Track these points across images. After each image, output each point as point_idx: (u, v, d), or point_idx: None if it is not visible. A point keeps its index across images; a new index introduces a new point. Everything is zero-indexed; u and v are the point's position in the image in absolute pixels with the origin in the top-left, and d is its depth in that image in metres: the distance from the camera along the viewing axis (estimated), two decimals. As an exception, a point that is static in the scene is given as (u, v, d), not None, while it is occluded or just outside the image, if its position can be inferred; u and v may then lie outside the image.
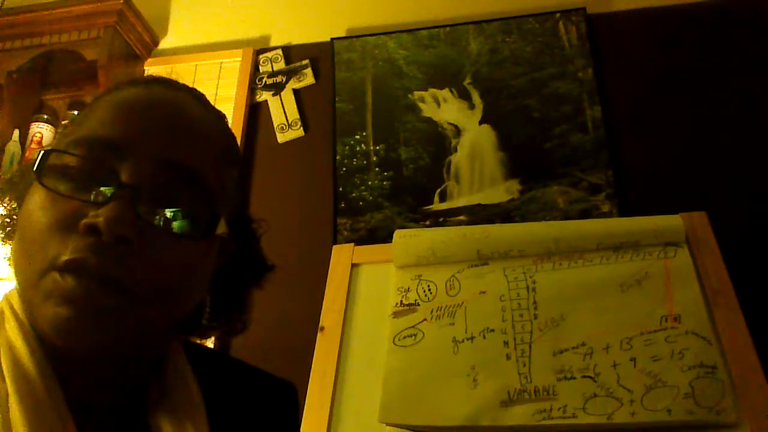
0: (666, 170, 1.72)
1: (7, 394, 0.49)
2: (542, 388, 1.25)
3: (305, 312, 1.59)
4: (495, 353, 1.32)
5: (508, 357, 1.31)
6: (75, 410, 0.50)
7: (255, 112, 2.04)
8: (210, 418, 0.58)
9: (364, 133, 1.92)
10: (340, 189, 1.86)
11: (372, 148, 1.90)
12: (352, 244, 1.64)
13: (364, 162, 1.88)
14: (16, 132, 2.04)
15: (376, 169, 1.87)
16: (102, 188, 0.51)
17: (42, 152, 0.53)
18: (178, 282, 0.54)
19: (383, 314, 1.46)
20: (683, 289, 1.33)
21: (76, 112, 2.07)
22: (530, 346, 1.31)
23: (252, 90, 2.06)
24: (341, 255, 1.60)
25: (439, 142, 1.86)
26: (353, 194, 1.84)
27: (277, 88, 2.05)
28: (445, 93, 1.92)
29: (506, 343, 1.33)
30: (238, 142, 1.88)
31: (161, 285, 0.52)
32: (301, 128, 1.98)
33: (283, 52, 2.11)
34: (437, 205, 1.79)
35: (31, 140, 2.04)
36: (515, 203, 1.74)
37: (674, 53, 1.85)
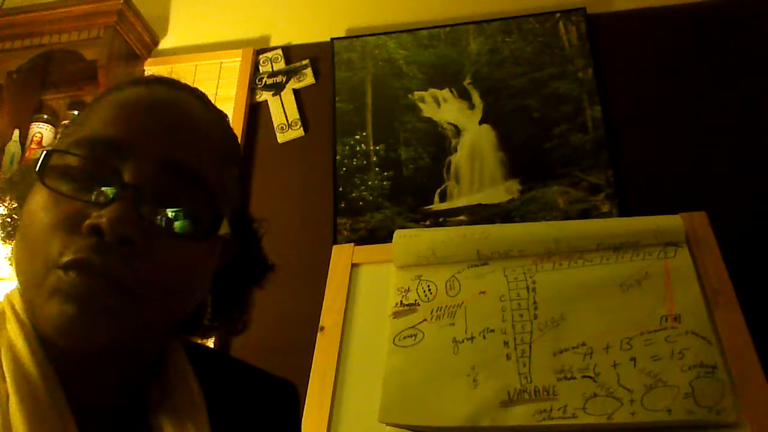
0: (666, 170, 1.72)
1: (8, 395, 0.49)
2: (542, 388, 1.25)
3: (305, 312, 1.59)
4: (495, 353, 1.32)
5: (508, 357, 1.31)
6: (76, 411, 0.50)
7: (255, 112, 2.04)
8: (211, 418, 0.58)
9: (364, 133, 1.92)
10: (340, 189, 1.86)
11: (372, 148, 1.90)
12: (352, 244, 1.64)
13: (364, 162, 1.88)
14: (16, 132, 2.04)
15: (376, 169, 1.87)
16: (104, 188, 0.51)
17: (44, 152, 0.53)
18: (181, 282, 0.54)
19: (383, 314, 1.46)
20: (683, 289, 1.33)
21: (76, 112, 2.06)
22: (530, 346, 1.31)
23: (252, 90, 2.06)
24: (341, 255, 1.61)
25: (439, 142, 1.86)
26: (353, 194, 1.84)
27: (277, 88, 2.05)
28: (445, 93, 1.92)
29: (506, 343, 1.33)
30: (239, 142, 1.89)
31: (164, 285, 0.52)
32: (301, 128, 1.98)
33: (283, 52, 2.11)
34: (437, 205, 1.79)
35: (31, 140, 2.04)
36: (515, 203, 1.74)
37: (674, 53, 1.85)
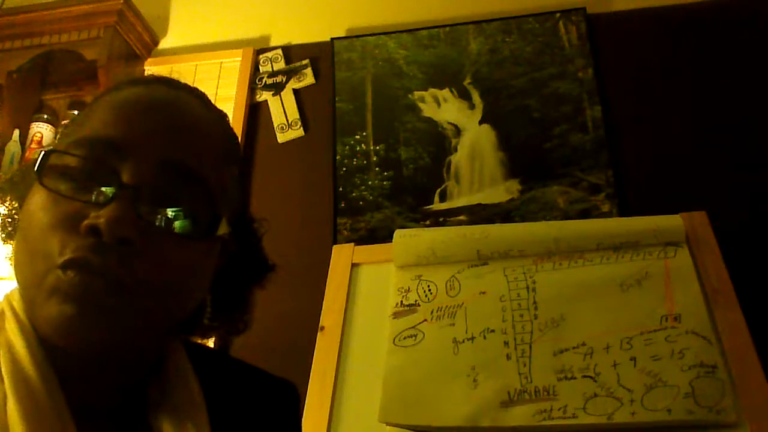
0: (666, 170, 1.72)
1: (6, 396, 0.48)
2: (542, 388, 1.25)
3: (305, 312, 1.59)
4: (495, 353, 1.32)
5: (508, 357, 1.31)
6: (75, 411, 0.50)
7: (255, 112, 2.04)
8: (211, 417, 0.58)
9: (364, 133, 1.92)
10: (340, 189, 1.86)
11: (372, 148, 1.90)
12: (352, 244, 1.64)
13: (364, 162, 1.88)
14: (16, 132, 2.04)
15: (376, 168, 1.87)
16: (103, 189, 0.51)
17: (43, 153, 0.53)
18: (180, 282, 0.54)
19: (383, 314, 1.46)
20: (683, 289, 1.33)
21: (76, 112, 2.06)
22: (530, 346, 1.31)
23: (252, 90, 2.06)
24: (341, 255, 1.60)
25: (439, 142, 1.86)
26: (353, 194, 1.84)
27: (277, 88, 2.05)
28: (445, 93, 1.92)
29: (506, 344, 1.33)
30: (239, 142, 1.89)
31: (163, 285, 0.52)
32: (301, 128, 1.98)
33: (283, 52, 2.10)
34: (437, 205, 1.79)
35: (31, 140, 2.04)
36: (515, 203, 1.74)
37: (674, 53, 1.85)
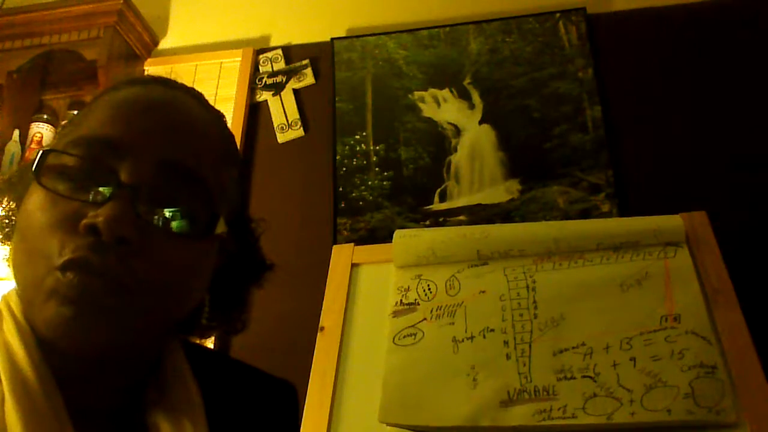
0: (666, 170, 1.72)
1: (4, 397, 0.48)
2: (542, 388, 1.25)
3: (305, 312, 1.59)
4: (495, 353, 1.32)
5: (508, 357, 1.31)
6: (73, 412, 0.50)
7: (255, 112, 2.04)
8: (209, 418, 0.57)
9: (364, 133, 1.92)
10: (340, 189, 1.86)
11: (372, 148, 1.90)
12: (352, 244, 1.64)
13: (364, 162, 1.88)
14: (16, 132, 2.04)
15: (376, 169, 1.87)
16: (101, 188, 0.51)
17: (40, 152, 0.53)
18: (179, 282, 0.54)
19: (383, 314, 1.45)
20: (683, 289, 1.32)
21: (75, 112, 2.06)
22: (530, 346, 1.31)
23: (252, 90, 2.06)
24: (341, 255, 1.60)
25: (439, 142, 1.86)
26: (353, 194, 1.84)
27: (277, 88, 2.05)
28: (445, 93, 1.92)
29: (506, 343, 1.33)
30: (238, 142, 1.88)
31: (161, 285, 0.52)
32: (301, 128, 1.98)
33: (283, 52, 2.11)
34: (437, 205, 1.79)
35: (31, 140, 2.04)
36: (515, 203, 1.74)
37: (674, 53, 1.84)
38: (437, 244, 1.49)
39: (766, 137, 1.70)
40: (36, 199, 0.52)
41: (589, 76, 1.84)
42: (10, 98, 2.07)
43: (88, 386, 0.55)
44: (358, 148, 1.90)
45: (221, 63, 2.12)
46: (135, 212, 0.50)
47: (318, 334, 1.47)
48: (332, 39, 2.06)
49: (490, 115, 1.87)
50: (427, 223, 1.76)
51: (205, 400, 0.59)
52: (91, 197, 0.51)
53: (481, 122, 1.86)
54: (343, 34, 2.09)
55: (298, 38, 2.14)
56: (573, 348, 1.29)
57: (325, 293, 1.53)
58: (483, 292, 1.41)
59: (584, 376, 1.24)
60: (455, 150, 1.84)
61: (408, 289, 1.47)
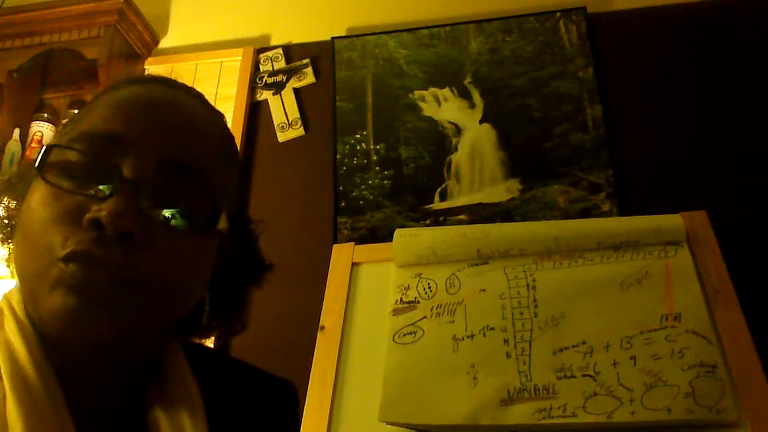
0: (666, 170, 1.72)
1: (5, 395, 0.48)
2: (542, 387, 1.25)
3: (305, 312, 1.59)
4: (495, 351, 1.32)
5: (508, 355, 1.31)
6: (74, 411, 0.50)
7: (255, 112, 2.04)
8: (209, 417, 0.58)
9: (365, 132, 1.92)
10: (341, 188, 1.86)
11: (372, 147, 1.90)
12: (353, 243, 1.64)
13: (365, 161, 1.88)
14: (17, 131, 2.04)
15: (377, 168, 1.87)
16: (104, 183, 0.52)
17: (44, 148, 0.53)
18: (180, 277, 0.55)
19: (383, 313, 1.45)
20: (683, 288, 1.32)
21: (76, 111, 2.07)
22: (530, 345, 1.31)
23: (252, 89, 2.06)
24: (341, 254, 1.60)
25: (439, 142, 1.86)
26: (354, 193, 1.84)
27: (277, 87, 2.05)
28: (445, 92, 1.92)
29: (506, 341, 1.33)
30: (239, 142, 1.89)
31: (164, 280, 0.53)
32: (302, 127, 1.98)
33: (283, 51, 2.10)
34: (437, 205, 1.79)
35: (32, 139, 2.04)
36: (515, 202, 1.74)
37: (674, 53, 1.84)
38: (437, 243, 1.49)
39: (766, 137, 1.70)
40: (39, 194, 0.52)
41: (589, 76, 1.84)
42: (11, 97, 2.07)
43: (89, 385, 0.55)
44: (358, 147, 1.90)
45: (222, 62, 2.12)
46: (138, 207, 0.51)
47: (318, 333, 1.47)
48: (333, 38, 2.06)
49: (491, 114, 1.87)
50: (428, 222, 1.76)
51: (205, 400, 0.59)
52: (94, 192, 0.51)
53: (481, 121, 1.86)
54: (344, 33, 2.09)
55: (298, 37, 2.14)
56: (573, 347, 1.29)
57: (325, 293, 1.53)
58: (483, 290, 1.41)
59: (584, 375, 1.24)
60: (455, 149, 1.84)
61: (408, 288, 1.47)
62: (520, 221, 1.68)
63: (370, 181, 1.85)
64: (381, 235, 1.74)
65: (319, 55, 2.07)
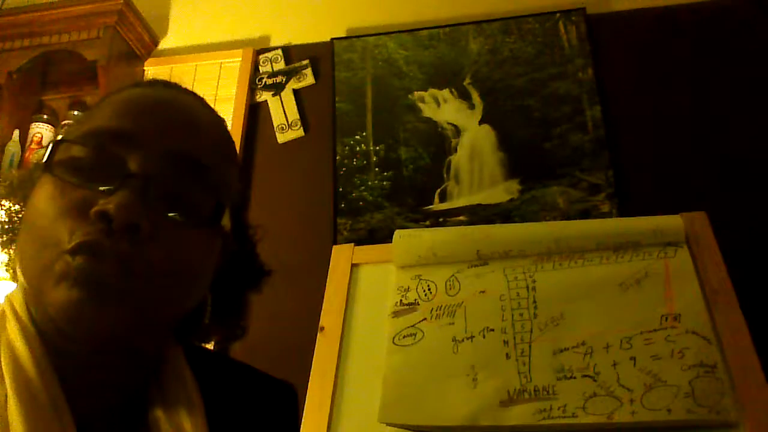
0: (666, 171, 1.72)
1: (7, 396, 0.49)
2: (542, 388, 1.25)
3: (305, 312, 1.59)
4: (495, 353, 1.32)
5: (507, 356, 1.31)
6: (76, 412, 0.50)
7: (255, 113, 2.04)
8: (209, 418, 0.58)
9: (364, 134, 1.92)
10: (340, 189, 1.86)
11: (372, 148, 1.90)
12: (352, 244, 1.64)
13: (364, 162, 1.88)
14: (16, 132, 2.04)
15: (376, 169, 1.87)
16: (111, 178, 0.52)
17: (52, 143, 0.54)
18: (185, 271, 0.55)
19: (383, 314, 1.46)
20: (683, 289, 1.33)
21: (76, 112, 2.07)
22: (530, 346, 1.31)
23: (252, 90, 2.06)
24: (341, 255, 1.60)
25: (439, 143, 1.86)
26: (353, 194, 1.84)
27: (277, 89, 2.05)
28: (445, 93, 1.92)
29: (506, 343, 1.33)
30: (238, 142, 1.90)
31: (168, 272, 0.53)
32: (301, 128, 1.98)
33: (283, 53, 2.11)
34: (437, 206, 1.79)
35: (31, 140, 2.04)
36: (515, 203, 1.74)
37: (674, 53, 1.85)
38: (437, 244, 1.49)
39: (766, 137, 1.70)
40: (46, 190, 0.53)
41: (588, 77, 1.84)
42: (10, 98, 2.07)
43: (90, 385, 0.55)
44: (358, 149, 1.90)
45: (221, 63, 2.12)
46: (144, 201, 0.51)
47: (318, 334, 1.47)
48: (332, 39, 2.06)
49: (490, 115, 1.87)
50: (427, 223, 1.76)
51: (205, 400, 0.59)
52: (100, 186, 0.52)
53: (481, 122, 1.87)
54: (343, 35, 2.09)
55: (298, 38, 2.14)
56: (573, 347, 1.29)
57: (325, 293, 1.53)
58: (483, 292, 1.41)
59: (584, 376, 1.25)
60: (455, 150, 1.85)
61: (408, 289, 1.47)
62: (520, 222, 1.68)
63: (369, 182, 1.85)
64: (380, 236, 1.74)
65: (319, 56, 2.07)
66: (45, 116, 2.09)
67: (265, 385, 0.73)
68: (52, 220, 0.51)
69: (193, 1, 2.31)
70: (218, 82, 2.08)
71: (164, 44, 2.26)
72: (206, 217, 0.56)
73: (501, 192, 1.76)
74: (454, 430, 1.25)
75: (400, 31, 2.03)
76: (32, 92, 2.17)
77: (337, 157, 1.90)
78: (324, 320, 1.49)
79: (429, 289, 1.46)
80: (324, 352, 1.44)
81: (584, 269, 1.40)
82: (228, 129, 0.67)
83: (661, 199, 1.65)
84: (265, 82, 2.06)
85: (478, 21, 1.99)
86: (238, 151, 0.69)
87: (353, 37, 2.06)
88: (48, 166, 0.53)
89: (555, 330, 1.32)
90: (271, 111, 2.02)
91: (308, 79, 2.04)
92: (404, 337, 1.40)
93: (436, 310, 1.42)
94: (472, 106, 1.89)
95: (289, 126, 1.99)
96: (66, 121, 2.07)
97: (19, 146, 2.03)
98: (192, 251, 0.55)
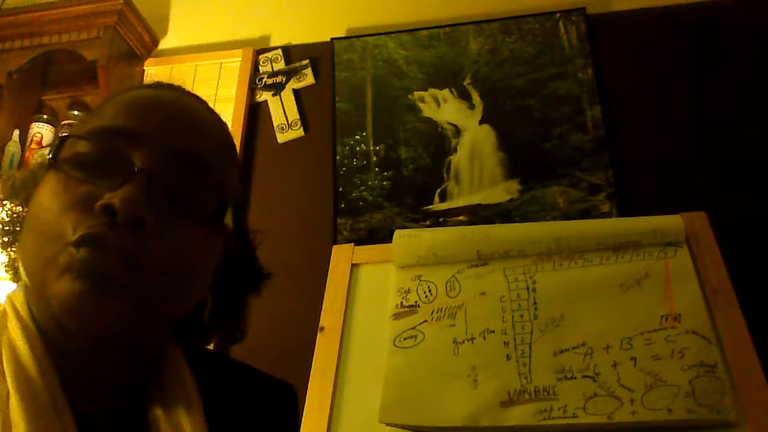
0: (666, 170, 1.72)
1: (8, 394, 0.49)
2: (542, 388, 1.25)
3: (305, 312, 1.58)
4: (495, 354, 1.32)
5: (508, 357, 1.31)
6: (76, 411, 0.50)
7: (255, 113, 2.04)
8: (208, 418, 0.58)
9: (364, 134, 1.92)
10: (340, 189, 1.86)
11: (372, 148, 1.90)
12: (352, 244, 1.64)
13: (364, 162, 1.88)
14: (16, 132, 2.04)
15: (376, 169, 1.87)
16: (116, 173, 0.53)
17: (58, 139, 0.55)
18: (187, 267, 0.55)
19: (383, 314, 1.46)
20: (683, 289, 1.33)
21: (76, 112, 2.07)
22: (530, 347, 1.31)
23: (252, 90, 2.06)
24: (341, 255, 1.61)
25: (439, 143, 1.86)
26: (353, 194, 1.84)
27: (277, 88, 2.05)
28: (445, 93, 1.92)
29: (506, 344, 1.33)
30: (238, 142, 1.90)
31: (171, 268, 0.53)
32: (301, 128, 1.98)
33: (283, 52, 2.10)
34: (437, 206, 1.79)
35: (31, 140, 2.04)
36: (515, 203, 1.74)
37: (673, 53, 1.85)
38: (437, 244, 1.49)
39: (765, 137, 1.70)
40: (50, 185, 0.53)
41: (588, 77, 1.84)
42: (10, 98, 2.07)
43: (91, 384, 0.55)
44: (358, 149, 1.90)
45: (221, 63, 2.12)
46: (149, 196, 0.52)
47: (318, 334, 1.47)
48: (332, 39, 2.06)
49: (490, 115, 1.87)
50: (427, 223, 1.76)
51: (204, 400, 0.59)
52: (105, 182, 0.52)
53: (481, 122, 1.87)
54: (343, 34, 2.09)
55: (298, 38, 2.14)
56: (573, 348, 1.29)
57: (325, 293, 1.54)
58: (483, 293, 1.41)
59: (585, 376, 1.25)
60: (455, 150, 1.85)
61: (408, 291, 1.47)
62: (520, 222, 1.68)
63: (369, 182, 1.85)
64: (381, 236, 1.74)
65: (319, 56, 2.07)
66: (45, 116, 2.09)
67: (265, 385, 0.73)
68: (57, 215, 0.51)
69: (193, 1, 2.31)
70: (218, 82, 2.08)
71: (164, 44, 2.25)
72: (209, 215, 0.57)
73: (501, 192, 1.76)
74: (454, 430, 1.25)
75: (400, 31, 2.03)
76: (32, 92, 2.17)
77: (337, 157, 1.90)
78: (324, 320, 1.49)
79: (429, 291, 1.46)
80: (324, 352, 1.44)
81: (584, 269, 1.40)
82: (229, 132, 0.68)
83: (661, 199, 1.65)
84: (265, 82, 2.06)
85: (478, 21, 1.99)
86: (238, 151, 0.70)
87: (353, 37, 2.06)
88: (53, 162, 0.54)
89: (555, 331, 1.32)
90: (271, 111, 2.02)
91: (308, 79, 2.04)
92: (405, 339, 1.40)
93: (437, 312, 1.42)
94: (472, 106, 1.89)
95: (289, 126, 1.99)
96: (66, 121, 2.06)
97: (19, 146, 2.03)
98: (194, 248, 0.56)
